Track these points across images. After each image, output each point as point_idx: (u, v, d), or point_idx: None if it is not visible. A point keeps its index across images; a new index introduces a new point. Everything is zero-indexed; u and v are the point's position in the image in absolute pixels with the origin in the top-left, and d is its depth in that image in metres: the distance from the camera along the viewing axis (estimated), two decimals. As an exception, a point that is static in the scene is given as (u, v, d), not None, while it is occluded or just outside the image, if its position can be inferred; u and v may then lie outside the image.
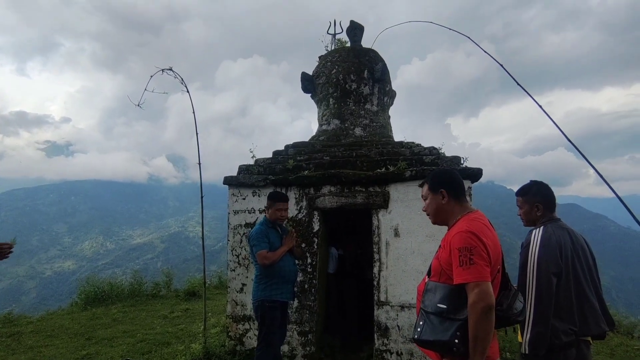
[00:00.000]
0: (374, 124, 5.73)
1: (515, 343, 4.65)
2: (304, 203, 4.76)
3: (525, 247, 2.51)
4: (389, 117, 6.34)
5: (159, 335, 5.83)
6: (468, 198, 4.30)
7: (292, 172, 4.86)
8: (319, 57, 6.40)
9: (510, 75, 3.36)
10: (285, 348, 4.49)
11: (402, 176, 4.42)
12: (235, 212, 4.97)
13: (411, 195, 4.40)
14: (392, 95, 6.35)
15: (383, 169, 4.58)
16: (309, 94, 6.36)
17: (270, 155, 5.53)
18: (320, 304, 4.80)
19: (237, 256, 4.87)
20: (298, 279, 4.51)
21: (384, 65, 5.90)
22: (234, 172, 5.16)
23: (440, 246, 2.08)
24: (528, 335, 2.34)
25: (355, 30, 6.33)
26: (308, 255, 4.66)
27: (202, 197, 4.97)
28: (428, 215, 2.23)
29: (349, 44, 6.49)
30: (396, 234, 4.43)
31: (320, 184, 4.71)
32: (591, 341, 2.50)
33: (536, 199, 2.65)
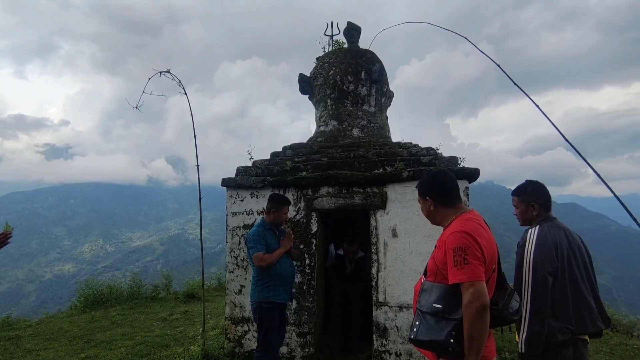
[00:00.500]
0: (372, 124, 5.73)
1: (514, 343, 4.65)
2: (302, 204, 4.77)
3: (521, 246, 2.53)
4: (387, 117, 6.34)
5: (158, 338, 5.81)
6: (465, 198, 4.33)
7: (290, 174, 4.86)
8: (317, 59, 6.40)
9: (507, 75, 3.36)
10: (284, 349, 4.49)
11: (400, 177, 4.43)
12: (234, 214, 4.97)
13: (409, 196, 4.40)
14: (389, 96, 6.35)
15: (381, 170, 4.59)
16: (307, 96, 6.37)
17: (268, 156, 5.54)
18: (319, 305, 4.80)
19: (236, 258, 4.87)
20: (296, 280, 4.51)
21: (382, 66, 5.90)
22: (232, 174, 5.16)
23: (436, 246, 2.10)
24: (524, 335, 2.35)
25: (353, 31, 6.34)
26: (306, 256, 4.66)
27: (200, 199, 4.96)
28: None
29: (346, 45, 6.49)
30: (394, 235, 4.43)
31: (318, 185, 4.71)
32: (589, 340, 2.50)
33: (532, 198, 2.66)
